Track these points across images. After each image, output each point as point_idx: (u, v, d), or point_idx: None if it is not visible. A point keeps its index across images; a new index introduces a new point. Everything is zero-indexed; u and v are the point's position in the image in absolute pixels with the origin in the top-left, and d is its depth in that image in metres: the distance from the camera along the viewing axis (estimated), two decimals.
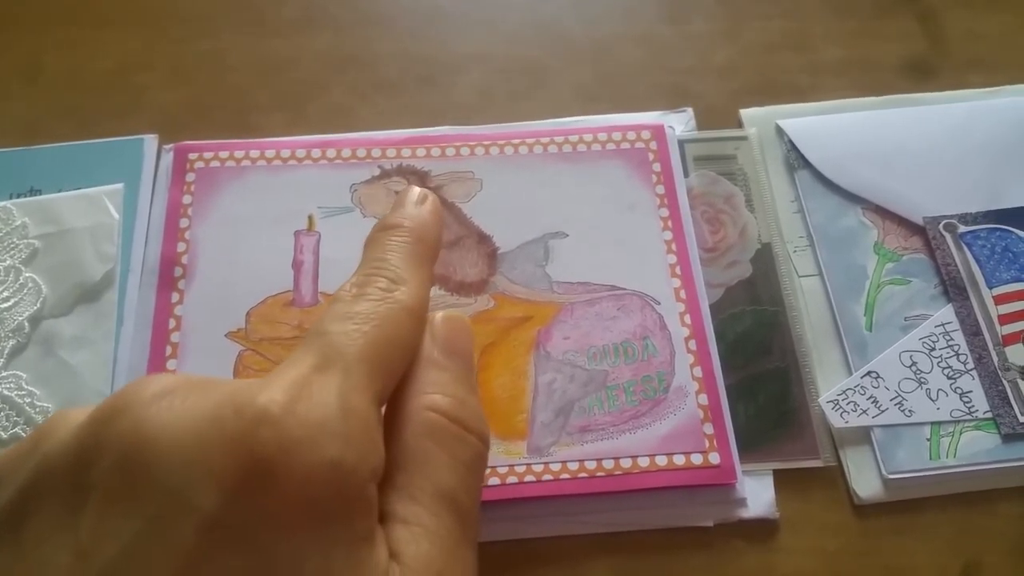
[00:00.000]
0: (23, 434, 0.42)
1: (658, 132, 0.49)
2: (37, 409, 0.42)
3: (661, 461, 0.41)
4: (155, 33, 0.55)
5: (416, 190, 0.34)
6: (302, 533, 0.23)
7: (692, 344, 0.43)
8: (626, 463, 0.40)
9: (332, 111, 0.52)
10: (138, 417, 0.23)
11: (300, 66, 0.54)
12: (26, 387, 0.43)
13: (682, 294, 0.44)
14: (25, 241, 0.46)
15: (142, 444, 0.22)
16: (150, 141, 0.50)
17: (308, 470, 0.23)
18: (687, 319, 0.44)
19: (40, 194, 0.48)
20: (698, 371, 0.43)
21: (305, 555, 0.22)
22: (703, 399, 0.42)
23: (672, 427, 0.41)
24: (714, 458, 0.41)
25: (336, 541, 0.23)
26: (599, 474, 0.40)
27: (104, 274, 0.45)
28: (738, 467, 0.41)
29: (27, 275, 0.45)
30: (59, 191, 0.48)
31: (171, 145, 0.49)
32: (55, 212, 0.47)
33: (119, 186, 0.48)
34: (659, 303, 0.44)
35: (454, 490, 0.27)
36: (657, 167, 0.48)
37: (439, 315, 0.31)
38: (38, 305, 0.45)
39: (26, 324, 0.44)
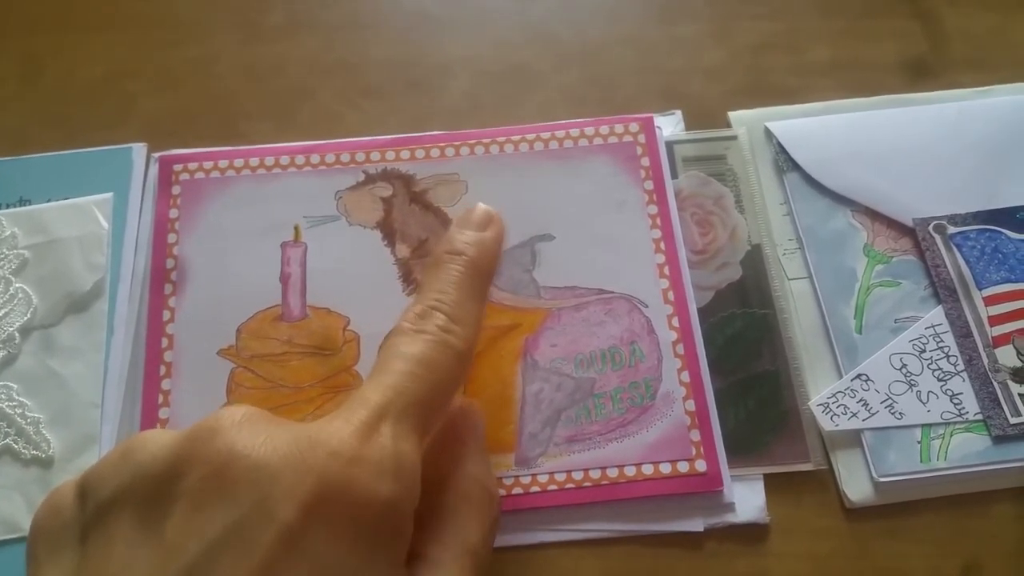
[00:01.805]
0: (14, 446, 0.42)
1: (647, 124, 0.48)
2: (28, 420, 0.42)
3: (648, 470, 0.40)
4: (143, 39, 0.55)
5: (481, 209, 0.37)
6: (357, 552, 0.27)
7: (680, 348, 0.43)
8: (613, 473, 0.40)
9: (320, 117, 0.52)
10: (231, 438, 0.27)
11: (288, 72, 0.54)
12: (17, 398, 0.43)
13: (670, 296, 0.44)
14: (15, 251, 0.46)
15: (234, 459, 0.26)
16: (139, 150, 0.49)
17: (367, 502, 0.27)
18: (675, 322, 0.44)
19: (29, 204, 0.48)
20: (685, 376, 0.43)
21: (358, 570, 0.26)
22: (690, 405, 0.42)
23: (659, 435, 0.41)
24: (700, 465, 0.41)
25: (382, 561, 0.28)
26: (586, 484, 0.40)
27: (94, 284, 0.45)
28: (725, 473, 0.41)
29: (17, 285, 0.45)
30: (48, 201, 0.48)
31: (157, 154, 0.49)
32: (44, 222, 0.47)
33: (108, 195, 0.48)
34: (647, 306, 0.44)
35: (476, 544, 0.32)
36: (646, 161, 0.47)
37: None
38: (28, 315, 0.45)
39: (16, 335, 0.44)
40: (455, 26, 0.55)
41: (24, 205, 0.48)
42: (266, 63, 0.54)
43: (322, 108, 0.52)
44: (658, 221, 0.46)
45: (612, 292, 0.44)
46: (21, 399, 0.43)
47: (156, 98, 0.52)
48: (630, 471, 0.40)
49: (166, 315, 0.44)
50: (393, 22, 0.55)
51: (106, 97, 0.52)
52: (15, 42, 0.55)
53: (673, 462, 0.41)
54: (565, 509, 0.40)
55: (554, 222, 0.46)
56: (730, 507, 0.41)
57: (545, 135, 0.48)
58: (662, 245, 0.45)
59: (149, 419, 0.41)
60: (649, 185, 0.47)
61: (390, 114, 0.52)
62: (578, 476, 0.40)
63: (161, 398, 0.42)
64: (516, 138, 0.48)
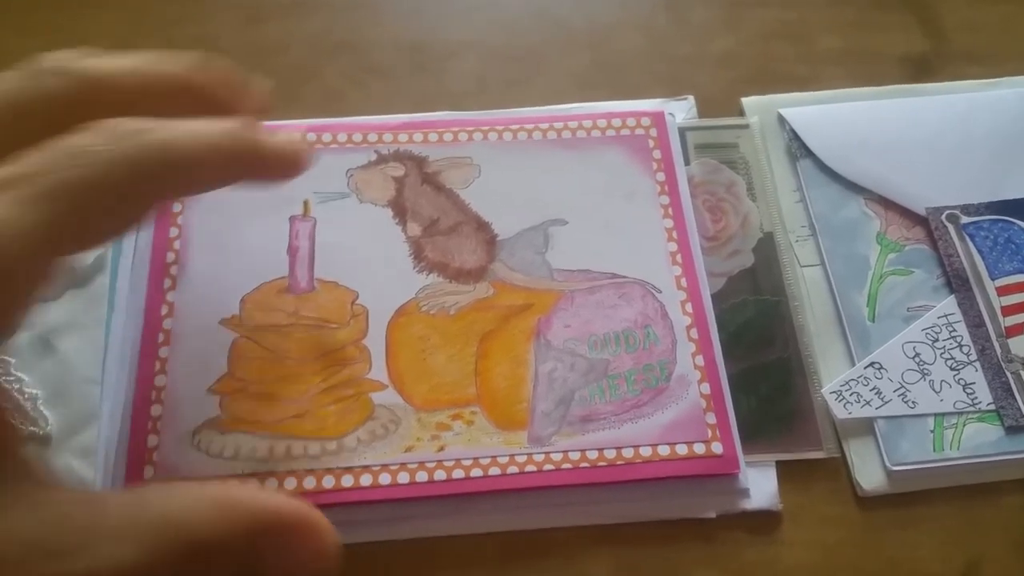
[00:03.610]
0: (11, 420, 0.41)
1: (658, 119, 0.48)
2: (26, 396, 0.41)
3: (663, 451, 0.40)
4: (145, 16, 0.54)
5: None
6: None
7: (694, 333, 0.43)
8: (628, 453, 0.40)
9: (325, 96, 0.51)
10: None
11: (291, 51, 0.53)
12: (14, 373, 0.42)
13: (683, 282, 0.44)
14: None
15: None
16: None
17: None
18: (688, 307, 0.43)
19: None
20: (700, 360, 0.42)
21: None
22: (705, 388, 0.41)
23: (674, 416, 0.41)
24: (716, 448, 0.40)
25: None
26: (600, 464, 0.39)
27: (95, 258, 0.44)
28: (741, 457, 0.40)
29: None
30: None
31: None
32: None
33: None
34: (660, 291, 0.44)
35: None
36: (657, 154, 0.47)
37: None
38: None
39: None
40: (462, 7, 0.55)
41: None
42: (269, 42, 0.53)
43: (326, 88, 0.52)
44: (670, 211, 0.46)
45: (625, 277, 0.44)
46: (18, 374, 0.42)
47: None
48: (646, 451, 0.40)
49: (167, 283, 0.43)
50: (398, 2, 0.55)
51: None
52: (10, 17, 0.53)
53: (689, 443, 0.40)
54: (579, 490, 0.39)
55: (566, 208, 0.46)
56: (744, 492, 0.40)
57: (558, 124, 0.48)
58: (674, 234, 0.45)
59: (144, 386, 0.40)
60: (661, 176, 0.47)
61: (396, 95, 0.51)
62: (592, 455, 0.40)
63: (158, 365, 0.41)
64: (529, 126, 0.48)
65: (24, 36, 0.53)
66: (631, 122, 0.48)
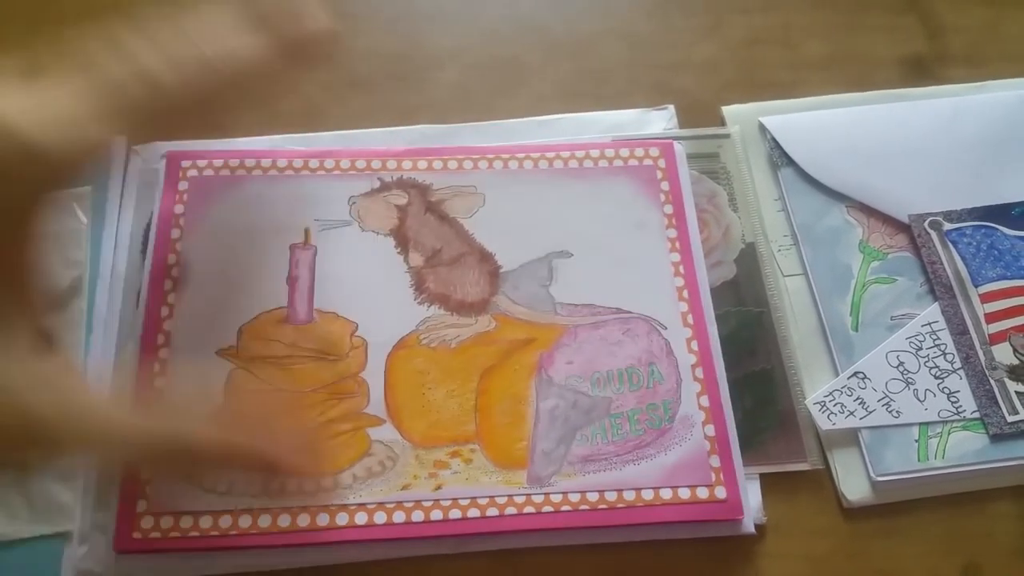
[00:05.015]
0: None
1: (667, 149, 0.47)
2: None
3: (666, 494, 0.39)
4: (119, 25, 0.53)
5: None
6: None
7: (699, 372, 0.42)
8: (629, 495, 0.39)
9: (304, 109, 0.50)
10: None
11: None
12: None
13: (689, 319, 0.43)
14: None
15: None
16: (118, 142, 0.48)
17: None
18: (694, 345, 0.43)
19: None
20: (705, 400, 0.42)
21: None
22: (710, 430, 0.41)
23: (677, 458, 0.40)
24: (720, 492, 0.40)
25: None
26: (601, 507, 0.39)
27: (71, 281, 0.44)
28: (745, 502, 0.40)
29: None
30: None
31: (139, 147, 0.47)
32: None
33: (86, 189, 0.46)
34: (666, 328, 0.43)
35: None
36: (665, 186, 0.47)
37: None
38: None
39: None
40: (443, 17, 0.54)
41: None
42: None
43: (306, 100, 0.51)
44: (677, 244, 0.45)
45: (630, 312, 0.43)
46: None
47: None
48: (647, 494, 0.39)
49: (164, 311, 0.42)
50: (378, 13, 0.54)
51: None
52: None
53: (692, 487, 0.40)
54: (576, 532, 0.39)
55: (572, 240, 0.45)
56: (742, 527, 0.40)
57: (564, 153, 0.47)
58: (681, 269, 0.45)
59: None
60: (669, 209, 0.46)
61: (377, 108, 0.51)
62: (593, 497, 0.39)
63: (154, 396, 0.41)
64: (535, 155, 0.47)
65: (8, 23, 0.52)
66: (639, 152, 0.47)
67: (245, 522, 0.38)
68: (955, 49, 0.53)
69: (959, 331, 0.44)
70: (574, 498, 0.39)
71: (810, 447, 0.42)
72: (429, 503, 0.39)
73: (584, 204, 0.46)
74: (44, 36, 0.52)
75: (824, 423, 0.42)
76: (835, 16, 0.55)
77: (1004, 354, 0.43)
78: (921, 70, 0.53)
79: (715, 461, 0.40)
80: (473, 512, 0.39)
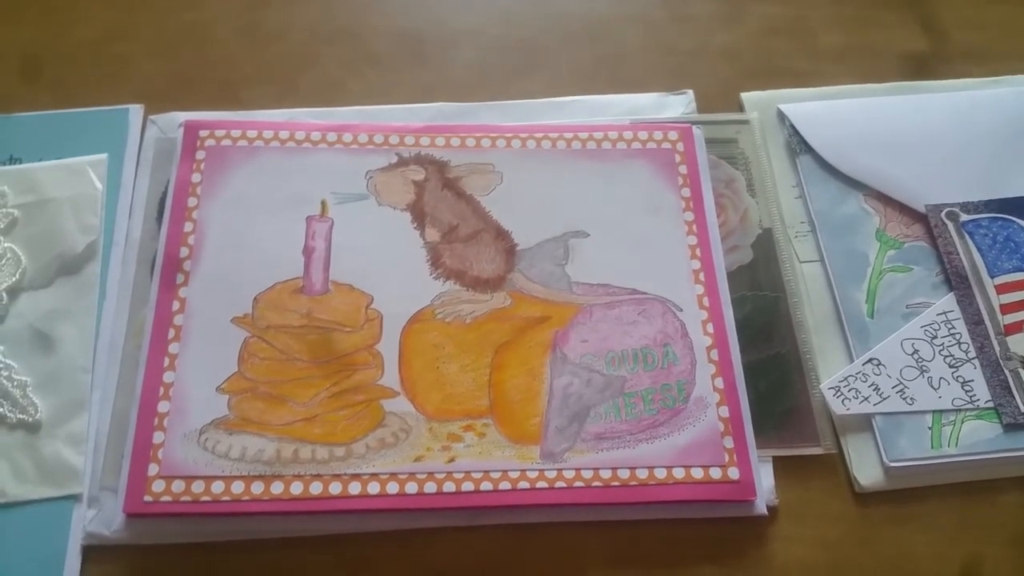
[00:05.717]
0: (0, 409, 0.40)
1: (685, 133, 0.47)
2: (15, 383, 0.41)
3: (679, 473, 0.39)
4: (137, 2, 0.53)
5: None
6: None
7: (714, 354, 0.42)
8: (642, 474, 0.39)
9: (323, 85, 0.51)
10: None
11: (289, 38, 0.52)
12: (3, 360, 0.41)
13: (705, 301, 0.43)
14: (4, 210, 0.44)
15: None
16: (136, 111, 0.48)
17: None
18: (709, 328, 0.43)
19: (20, 163, 0.46)
20: (719, 382, 0.42)
21: None
22: (724, 411, 0.41)
23: (691, 439, 0.40)
24: (733, 473, 0.40)
25: None
26: (614, 484, 0.39)
27: (87, 246, 0.44)
28: (758, 482, 0.40)
29: (6, 245, 0.44)
30: (40, 160, 0.46)
31: (156, 116, 0.47)
32: (36, 181, 0.45)
33: (103, 156, 0.46)
34: (681, 309, 0.43)
35: None
36: (684, 169, 0.47)
37: None
38: (17, 276, 0.43)
39: (4, 295, 0.42)
40: None
41: (15, 164, 0.46)
42: (266, 29, 0.53)
43: (325, 76, 0.51)
44: (694, 228, 0.45)
45: (646, 293, 0.43)
46: (8, 361, 0.41)
47: (152, 62, 0.51)
48: (660, 473, 0.39)
49: (179, 278, 0.42)
50: None
51: (99, 59, 0.51)
52: (2, 5, 0.53)
53: (705, 467, 0.40)
54: (588, 509, 0.39)
55: (589, 220, 0.45)
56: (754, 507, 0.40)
57: (583, 135, 0.47)
58: (698, 251, 0.45)
59: (152, 382, 0.40)
60: (686, 192, 0.46)
61: (394, 85, 0.51)
62: (606, 474, 0.39)
63: (167, 361, 0.40)
64: (554, 135, 0.47)
65: (16, 20, 0.52)
66: (658, 135, 0.47)
67: (257, 488, 0.38)
68: (970, 44, 0.54)
69: (974, 321, 0.44)
70: (587, 475, 0.39)
71: (823, 432, 0.42)
72: (442, 475, 0.39)
73: (601, 185, 0.46)
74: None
75: (838, 408, 0.42)
76: (852, 9, 0.55)
77: (1019, 345, 0.43)
78: (936, 64, 0.53)
79: (728, 442, 0.40)
80: (486, 485, 0.39)
